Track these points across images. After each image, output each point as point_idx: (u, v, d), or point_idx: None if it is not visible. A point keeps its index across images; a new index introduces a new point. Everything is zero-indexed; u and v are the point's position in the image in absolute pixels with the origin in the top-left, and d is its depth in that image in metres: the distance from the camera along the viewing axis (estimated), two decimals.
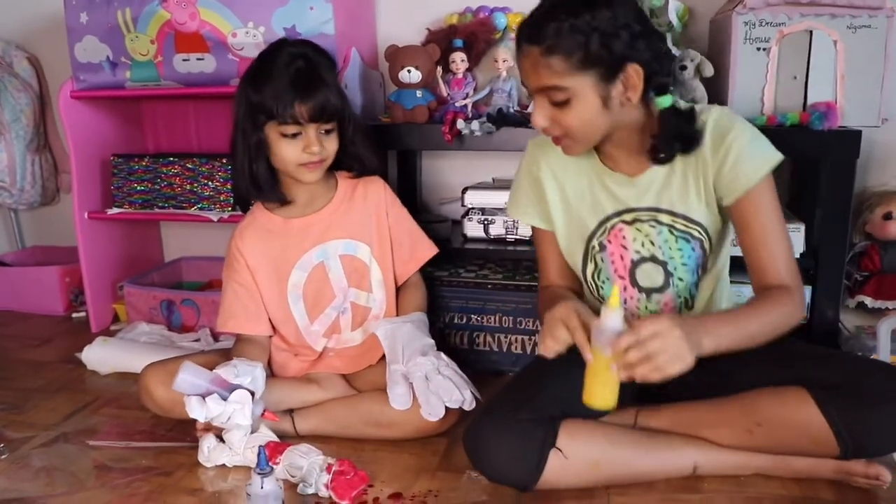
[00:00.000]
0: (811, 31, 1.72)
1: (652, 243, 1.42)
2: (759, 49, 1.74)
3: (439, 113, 1.92)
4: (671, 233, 1.41)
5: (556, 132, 1.32)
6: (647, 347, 1.13)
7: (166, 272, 2.50)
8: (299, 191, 1.63)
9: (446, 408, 1.47)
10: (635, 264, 1.45)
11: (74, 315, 2.46)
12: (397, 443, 1.54)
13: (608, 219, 1.44)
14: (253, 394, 1.41)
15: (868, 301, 1.95)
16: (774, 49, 1.73)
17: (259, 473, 1.23)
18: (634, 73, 1.25)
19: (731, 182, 1.33)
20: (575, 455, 1.31)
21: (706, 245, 1.41)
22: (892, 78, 1.74)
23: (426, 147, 2.00)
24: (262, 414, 1.44)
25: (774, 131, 1.54)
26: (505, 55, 1.92)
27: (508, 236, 1.94)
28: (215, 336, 2.13)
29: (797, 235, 1.78)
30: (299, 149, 1.54)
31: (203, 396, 1.39)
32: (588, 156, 1.44)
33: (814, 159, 1.78)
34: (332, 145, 1.59)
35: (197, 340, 2.13)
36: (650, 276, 1.45)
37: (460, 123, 1.81)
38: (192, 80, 2.01)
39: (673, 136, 1.32)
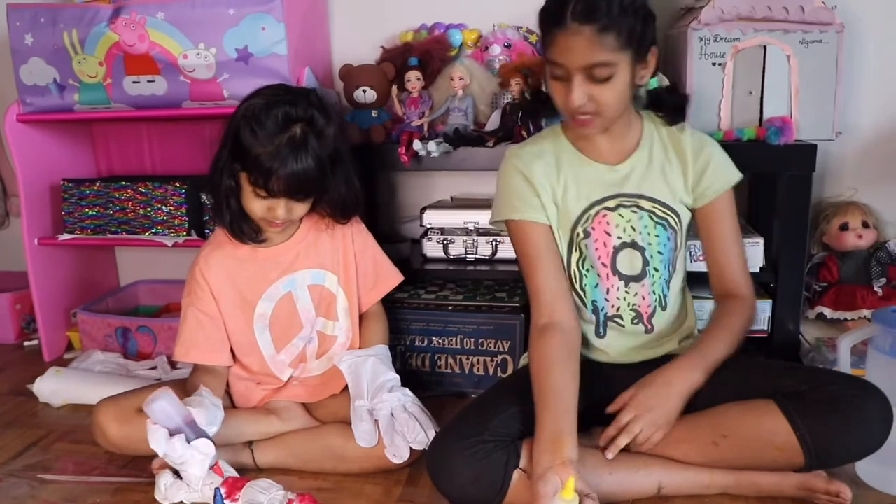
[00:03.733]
0: (765, 47, 1.73)
1: (633, 228, 1.47)
2: (714, 64, 1.75)
3: (396, 132, 1.89)
4: (651, 218, 1.48)
5: (589, 109, 1.36)
6: (632, 432, 1.32)
7: (122, 297, 2.44)
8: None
9: (410, 448, 1.45)
10: (617, 250, 1.48)
11: (26, 343, 2.39)
12: (360, 473, 1.51)
13: (592, 206, 1.48)
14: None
15: (827, 312, 1.96)
16: (730, 64, 1.74)
17: None
18: (653, 56, 1.38)
19: (708, 188, 1.48)
20: None
21: (678, 239, 1.50)
22: (844, 92, 1.76)
23: (383, 168, 1.97)
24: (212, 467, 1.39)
25: (732, 146, 1.56)
26: (461, 73, 1.89)
27: (468, 256, 1.92)
28: (172, 364, 2.08)
29: (756, 249, 1.79)
30: (266, 208, 1.50)
31: (171, 432, 1.34)
32: (567, 150, 1.50)
33: (771, 173, 1.79)
34: (301, 210, 1.54)
35: (153, 368, 2.08)
36: (630, 262, 1.49)
37: (417, 144, 1.78)
38: (143, 102, 1.97)
39: (673, 108, 1.52)
